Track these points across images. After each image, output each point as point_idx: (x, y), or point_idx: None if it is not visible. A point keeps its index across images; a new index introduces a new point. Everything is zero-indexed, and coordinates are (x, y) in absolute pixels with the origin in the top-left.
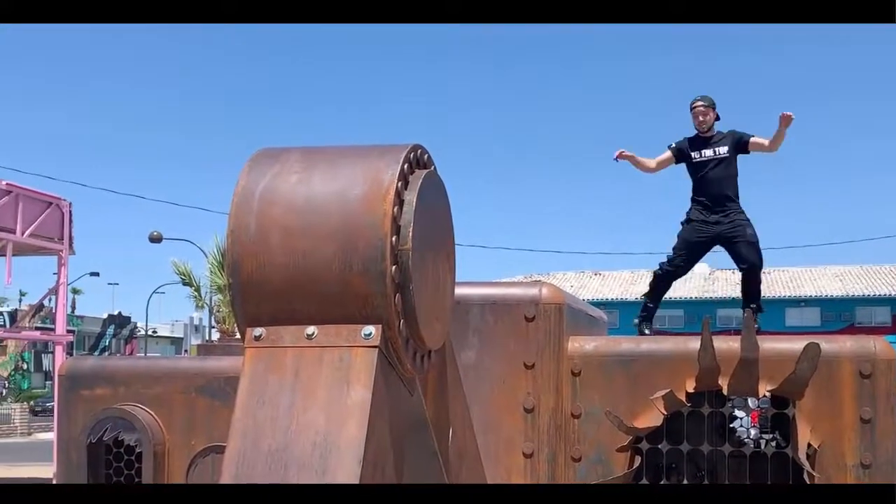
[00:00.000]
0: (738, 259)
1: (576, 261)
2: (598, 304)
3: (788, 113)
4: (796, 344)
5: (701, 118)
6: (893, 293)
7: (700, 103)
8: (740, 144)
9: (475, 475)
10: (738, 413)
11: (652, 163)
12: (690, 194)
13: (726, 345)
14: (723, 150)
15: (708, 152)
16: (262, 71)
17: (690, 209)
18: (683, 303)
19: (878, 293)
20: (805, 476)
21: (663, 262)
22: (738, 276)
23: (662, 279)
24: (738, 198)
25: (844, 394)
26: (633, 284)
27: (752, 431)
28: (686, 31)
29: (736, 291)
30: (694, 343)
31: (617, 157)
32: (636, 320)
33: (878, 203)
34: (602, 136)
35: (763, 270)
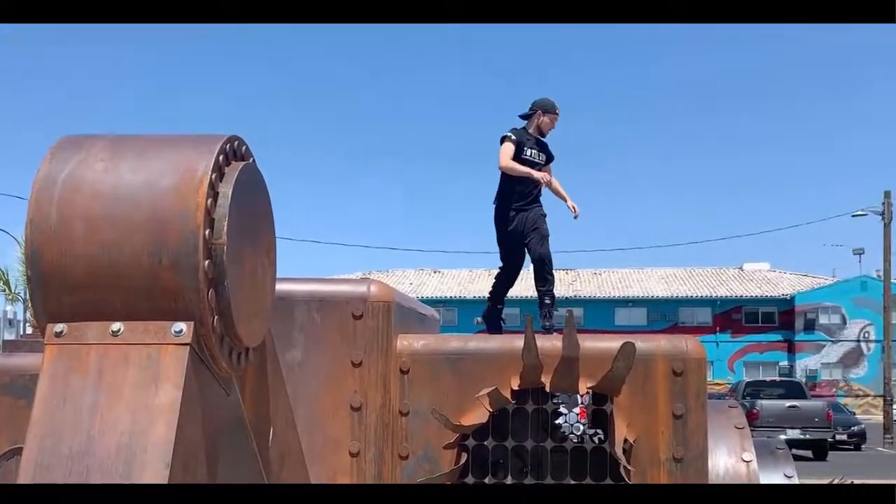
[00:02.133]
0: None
1: (415, 258)
2: (438, 302)
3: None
4: (615, 343)
5: (554, 125)
6: (714, 295)
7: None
8: (548, 162)
9: (298, 476)
10: (562, 409)
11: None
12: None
13: (550, 343)
14: (544, 157)
15: (542, 155)
16: (67, 52)
17: (506, 205)
18: (520, 301)
19: (700, 294)
20: (622, 470)
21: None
22: (571, 275)
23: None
24: None
25: (658, 391)
26: (471, 283)
27: (581, 427)
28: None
29: (575, 290)
30: (520, 341)
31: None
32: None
33: (702, 209)
34: (443, 134)
35: (595, 272)
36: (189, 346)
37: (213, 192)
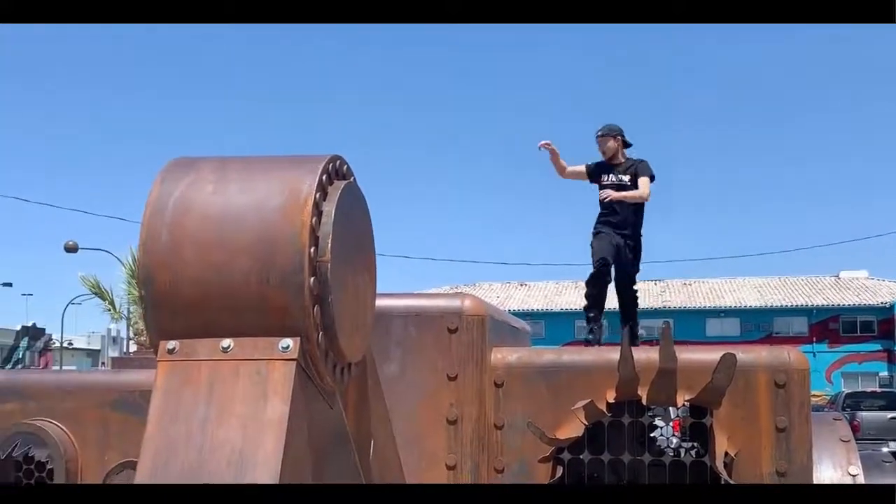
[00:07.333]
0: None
1: (501, 271)
2: (524, 315)
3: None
4: (713, 354)
5: (601, 147)
6: (810, 304)
7: (598, 133)
8: (634, 178)
9: None
10: (658, 422)
11: (567, 168)
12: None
13: (646, 355)
14: (625, 178)
15: (611, 178)
16: (177, 71)
17: (598, 224)
18: (607, 314)
19: (795, 304)
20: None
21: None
22: (660, 286)
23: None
24: (638, 221)
25: (760, 403)
26: (557, 295)
27: (674, 440)
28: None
29: (664, 301)
30: (614, 354)
31: (541, 146)
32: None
33: (794, 216)
34: (522, 143)
35: (685, 282)
36: (296, 361)
37: (318, 211)
